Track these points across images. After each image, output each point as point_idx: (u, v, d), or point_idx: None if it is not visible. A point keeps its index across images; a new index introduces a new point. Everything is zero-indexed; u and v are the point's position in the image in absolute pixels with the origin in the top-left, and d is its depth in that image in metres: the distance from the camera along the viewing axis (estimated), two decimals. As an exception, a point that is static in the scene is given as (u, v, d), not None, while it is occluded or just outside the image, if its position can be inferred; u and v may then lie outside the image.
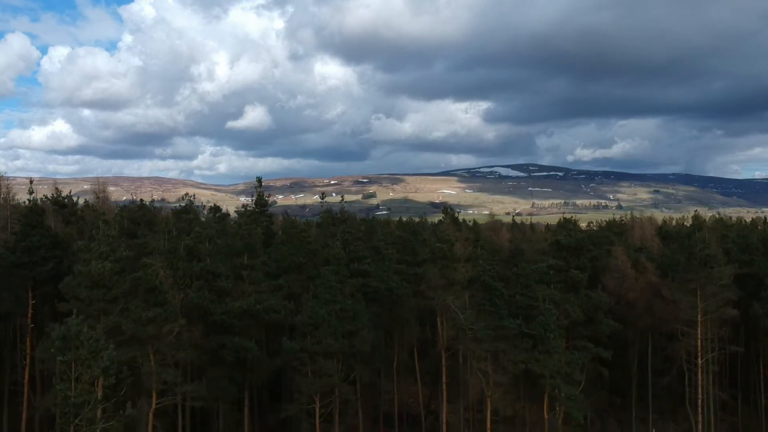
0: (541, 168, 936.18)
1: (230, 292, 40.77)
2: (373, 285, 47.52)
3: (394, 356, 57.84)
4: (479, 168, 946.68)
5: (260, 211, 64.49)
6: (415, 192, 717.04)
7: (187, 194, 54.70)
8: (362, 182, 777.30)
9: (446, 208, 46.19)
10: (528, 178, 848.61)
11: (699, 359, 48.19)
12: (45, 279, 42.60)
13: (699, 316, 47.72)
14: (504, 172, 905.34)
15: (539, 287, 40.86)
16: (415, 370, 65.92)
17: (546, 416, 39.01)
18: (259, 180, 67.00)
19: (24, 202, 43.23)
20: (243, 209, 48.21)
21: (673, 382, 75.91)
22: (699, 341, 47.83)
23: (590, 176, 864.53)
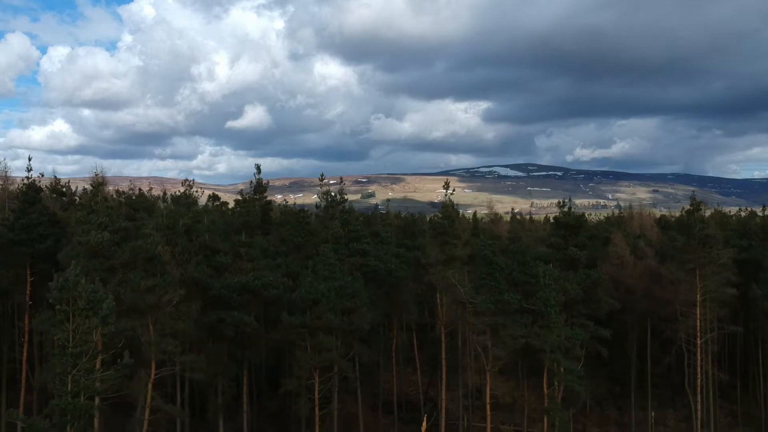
0: (540, 168, 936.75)
1: (229, 267, 40.73)
2: (372, 264, 47.44)
3: (393, 339, 57.78)
4: (478, 168, 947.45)
5: (259, 198, 64.51)
6: (414, 192, 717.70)
7: (186, 180, 54.54)
8: (362, 182, 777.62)
9: (446, 197, 45.98)
10: (527, 177, 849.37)
11: (698, 339, 48.13)
12: (43, 256, 42.49)
13: (698, 296, 47.66)
14: (503, 171, 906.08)
15: (538, 264, 40.77)
16: (415, 358, 65.94)
17: (546, 391, 38.92)
18: (258, 167, 66.98)
19: (22, 179, 43.12)
20: (241, 196, 47.91)
21: (673, 371, 76.20)
22: (698, 321, 47.77)
23: (589, 176, 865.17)
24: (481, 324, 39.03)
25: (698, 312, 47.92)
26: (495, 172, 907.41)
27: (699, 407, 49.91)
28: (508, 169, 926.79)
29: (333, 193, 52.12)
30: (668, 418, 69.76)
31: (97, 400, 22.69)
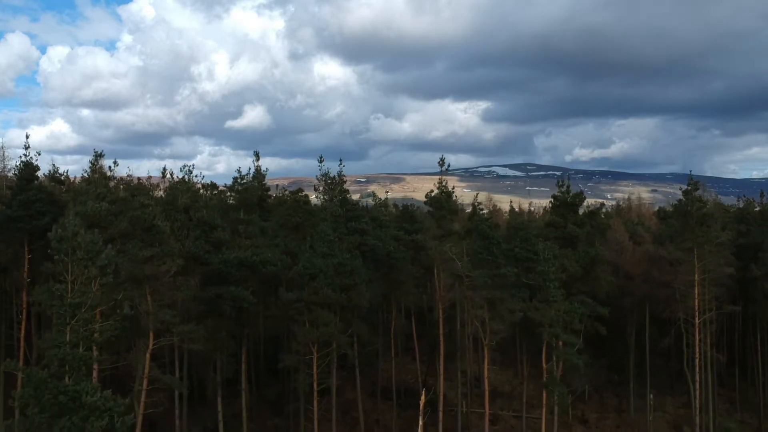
0: (539, 167, 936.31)
1: (227, 243, 40.69)
2: (370, 243, 47.39)
3: (391, 321, 57.74)
4: (477, 168, 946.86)
5: (258, 185, 64.46)
6: (414, 191, 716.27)
7: (185, 165, 54.35)
8: (361, 181, 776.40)
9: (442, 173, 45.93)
10: (526, 177, 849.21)
11: (696, 319, 48.13)
12: (41, 233, 42.27)
13: (696, 276, 47.67)
14: (502, 171, 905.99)
15: (538, 240, 40.81)
16: (414, 348, 65.86)
17: (545, 366, 38.88)
18: (257, 154, 66.88)
19: (20, 157, 43.09)
20: (239, 173, 47.57)
21: (672, 360, 76.33)
22: (696, 300, 47.77)
23: (588, 176, 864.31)
24: (479, 298, 38.98)
25: (696, 292, 47.95)
26: (494, 171, 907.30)
27: (698, 386, 49.89)
28: (507, 168, 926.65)
29: (332, 176, 52.04)
30: (667, 404, 69.78)
31: (95, 351, 22.65)
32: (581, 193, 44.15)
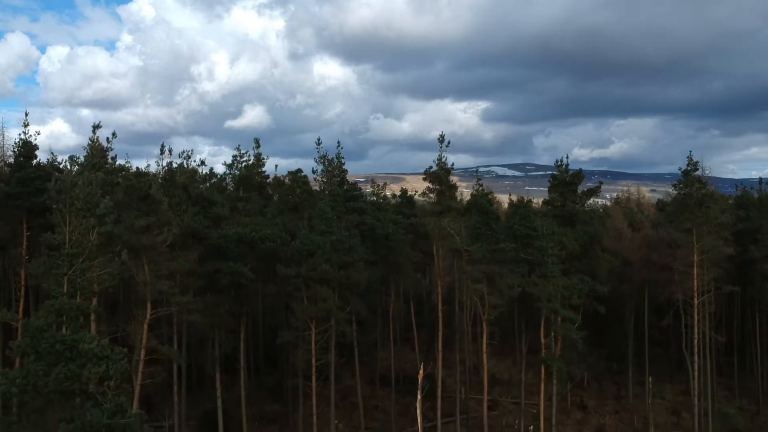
0: (538, 167, 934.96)
1: (226, 218, 40.65)
2: (369, 222, 47.38)
3: (390, 304, 57.73)
4: (477, 167, 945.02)
5: (257, 173, 64.42)
6: (413, 192, 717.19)
7: (184, 151, 54.26)
8: (360, 181, 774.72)
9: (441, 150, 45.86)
10: (525, 177, 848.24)
11: (695, 299, 48.07)
12: (39, 210, 42.20)
13: (695, 256, 47.60)
14: (501, 171, 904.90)
15: (537, 218, 40.81)
16: (412, 335, 65.84)
17: (543, 341, 38.83)
18: (257, 141, 66.76)
19: (19, 135, 42.92)
20: (238, 150, 47.29)
21: (671, 349, 76.37)
22: (695, 281, 47.71)
23: (587, 175, 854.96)
24: (478, 272, 38.95)
25: (695, 272, 47.87)
26: (493, 171, 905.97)
27: (696, 367, 49.83)
28: (506, 168, 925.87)
29: (331, 158, 52.01)
30: (666, 391, 69.82)
31: (94, 301, 22.57)
32: (580, 171, 44.13)
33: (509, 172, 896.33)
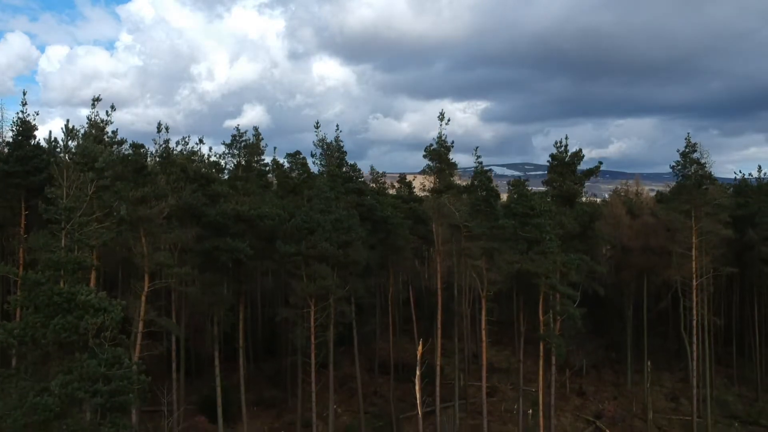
0: (537, 167, 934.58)
1: (224, 195, 40.59)
2: (368, 203, 47.36)
3: (389, 287, 57.75)
4: (476, 167, 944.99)
5: (256, 161, 64.28)
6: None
7: (184, 138, 54.13)
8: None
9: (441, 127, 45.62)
10: (524, 177, 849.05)
11: (694, 281, 48.06)
12: (38, 188, 42.11)
13: (694, 238, 47.61)
14: (500, 171, 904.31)
15: (535, 196, 40.81)
16: (411, 326, 65.87)
17: (541, 318, 38.82)
18: (256, 129, 66.48)
19: (17, 113, 42.73)
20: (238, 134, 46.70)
21: (669, 339, 76.51)
22: (694, 262, 47.71)
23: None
24: (477, 248, 38.93)
25: (694, 254, 47.87)
26: (492, 171, 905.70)
27: (695, 349, 49.85)
28: (505, 168, 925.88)
29: (330, 141, 51.97)
30: (664, 379, 69.99)
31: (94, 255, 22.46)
32: (580, 151, 44.12)
33: (508, 172, 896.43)
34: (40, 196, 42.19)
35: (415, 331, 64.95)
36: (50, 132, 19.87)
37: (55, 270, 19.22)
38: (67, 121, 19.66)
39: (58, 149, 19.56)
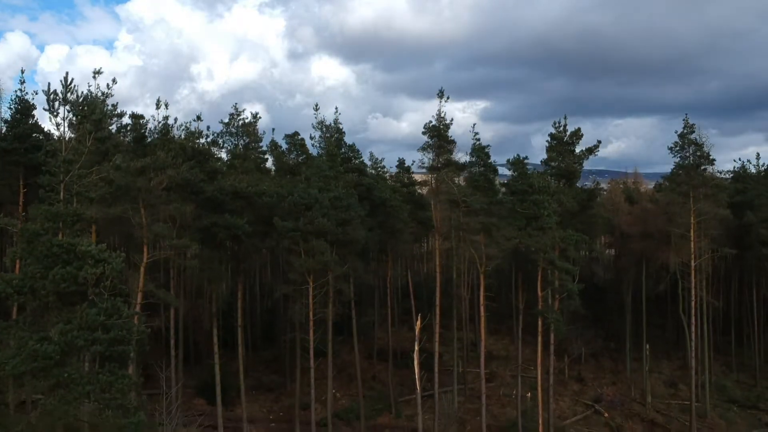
0: (537, 167, 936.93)
1: (222, 172, 40.54)
2: (366, 183, 47.32)
3: (387, 272, 57.74)
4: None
5: (255, 148, 64.15)
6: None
7: (183, 124, 53.93)
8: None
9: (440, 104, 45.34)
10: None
11: (692, 262, 48.07)
12: (36, 166, 42.06)
13: (692, 219, 47.61)
14: (500, 170, 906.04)
15: (535, 174, 40.83)
16: (409, 318, 65.84)
17: (540, 294, 38.82)
18: (255, 115, 66.27)
19: (15, 92, 42.69)
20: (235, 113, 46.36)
21: (668, 330, 76.66)
22: (692, 243, 47.72)
23: (585, 175, 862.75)
24: (475, 223, 38.91)
25: (692, 235, 47.88)
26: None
27: (693, 329, 49.88)
28: (505, 168, 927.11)
29: (328, 123, 51.92)
30: (663, 366, 70.15)
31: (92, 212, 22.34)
32: (579, 130, 44.08)
33: (507, 172, 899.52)
34: (38, 173, 42.56)
35: (413, 307, 65.09)
36: (49, 84, 19.76)
37: (54, 222, 19.19)
38: (66, 73, 19.60)
39: (57, 102, 19.44)
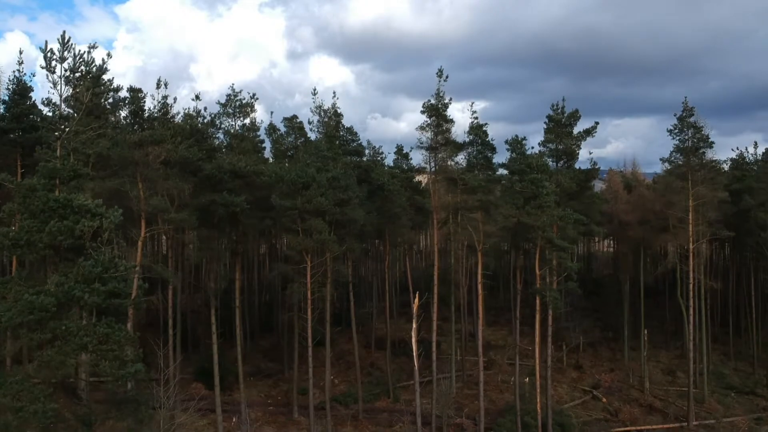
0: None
1: (220, 150, 40.44)
2: (365, 165, 47.24)
3: (385, 256, 57.69)
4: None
5: (253, 128, 63.79)
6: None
7: (184, 109, 53.75)
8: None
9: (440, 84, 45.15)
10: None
11: (691, 245, 48.07)
12: (34, 146, 41.91)
13: (690, 201, 47.61)
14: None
15: (533, 154, 40.80)
16: (408, 310, 65.70)
17: (538, 272, 38.78)
18: (254, 96, 65.23)
19: (13, 72, 42.58)
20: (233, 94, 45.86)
21: (666, 323, 76.65)
22: (690, 226, 47.70)
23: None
24: (473, 201, 38.85)
25: (690, 218, 47.87)
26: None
27: (691, 312, 49.87)
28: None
29: (326, 108, 51.85)
30: (661, 355, 70.23)
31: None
32: (576, 111, 43.99)
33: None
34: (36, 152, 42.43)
35: (410, 289, 64.99)
36: (46, 41, 19.68)
37: (50, 178, 19.14)
38: (63, 32, 19.53)
39: (54, 61, 19.37)
